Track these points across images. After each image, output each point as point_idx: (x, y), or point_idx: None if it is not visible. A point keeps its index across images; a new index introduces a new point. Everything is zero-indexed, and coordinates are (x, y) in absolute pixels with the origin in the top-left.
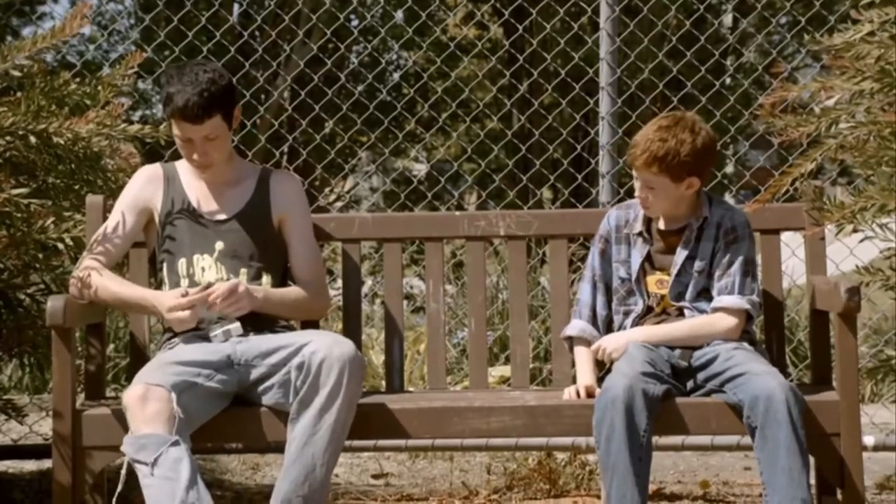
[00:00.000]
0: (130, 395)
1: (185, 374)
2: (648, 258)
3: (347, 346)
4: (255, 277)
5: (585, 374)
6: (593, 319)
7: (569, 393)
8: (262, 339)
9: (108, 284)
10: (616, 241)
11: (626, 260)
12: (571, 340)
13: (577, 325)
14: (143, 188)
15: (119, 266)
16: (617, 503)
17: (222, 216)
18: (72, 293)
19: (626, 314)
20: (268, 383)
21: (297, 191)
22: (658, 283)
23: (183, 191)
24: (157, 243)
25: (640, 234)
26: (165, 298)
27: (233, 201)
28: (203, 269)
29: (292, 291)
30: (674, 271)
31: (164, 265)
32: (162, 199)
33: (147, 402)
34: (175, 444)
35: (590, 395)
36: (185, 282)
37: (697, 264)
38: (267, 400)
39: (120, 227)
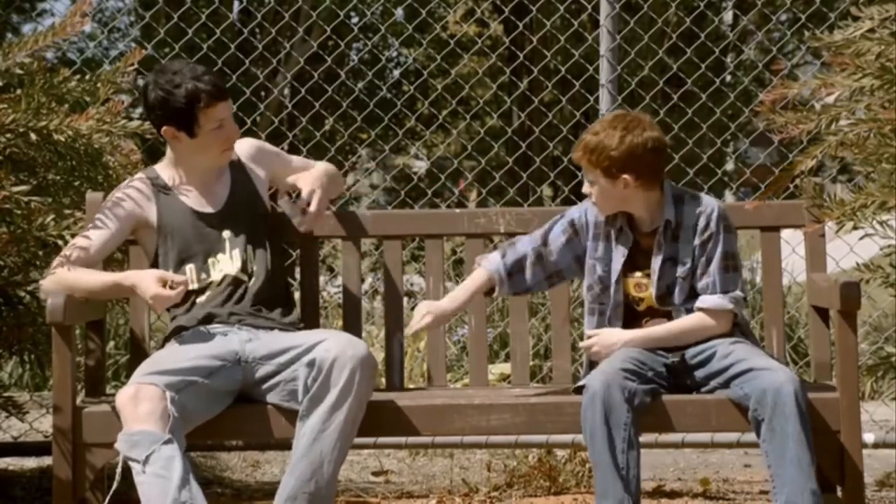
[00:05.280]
0: (122, 396)
1: (184, 373)
2: (630, 258)
3: (361, 347)
4: (260, 247)
5: (450, 299)
6: (509, 271)
7: (417, 314)
8: (273, 339)
9: (80, 277)
10: (594, 237)
11: (603, 257)
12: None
13: (495, 263)
14: (131, 200)
15: (120, 264)
16: (601, 496)
17: (218, 206)
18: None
19: (602, 314)
20: (272, 381)
21: (260, 145)
22: (636, 287)
23: (176, 196)
24: (161, 249)
25: (619, 230)
26: (146, 285)
27: (221, 189)
28: (220, 271)
29: (313, 170)
30: (654, 277)
31: (171, 270)
32: (156, 210)
33: (139, 402)
34: (168, 442)
35: (434, 318)
36: (194, 285)
37: (680, 269)
38: (271, 398)
39: (100, 236)
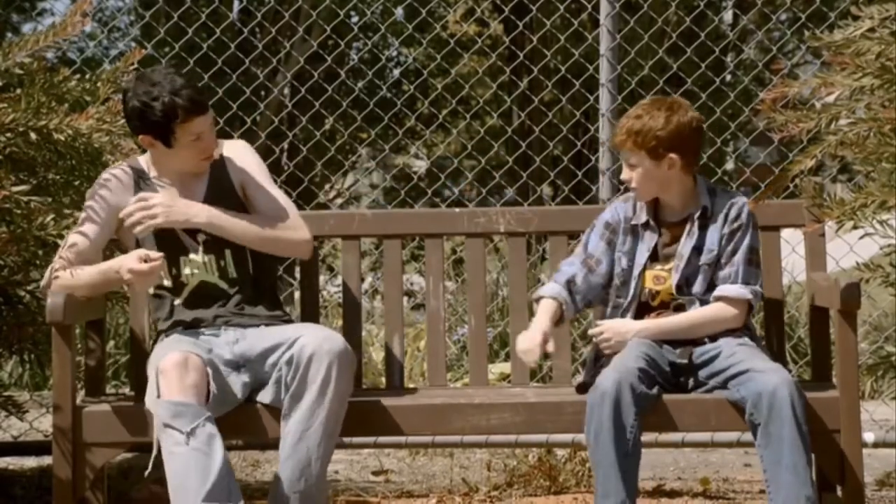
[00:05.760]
0: (169, 361)
1: (213, 357)
2: (654, 250)
3: (337, 340)
4: (239, 250)
5: (543, 321)
6: (569, 290)
7: (527, 340)
8: (261, 337)
9: (80, 276)
10: (623, 231)
11: (629, 251)
12: (540, 300)
13: (553, 288)
14: (114, 191)
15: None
16: (602, 496)
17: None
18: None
19: (616, 307)
20: (268, 384)
21: (247, 152)
22: (655, 279)
23: (155, 191)
24: (137, 247)
25: (646, 223)
26: (126, 262)
27: (199, 189)
28: (192, 273)
29: (254, 217)
30: (681, 263)
31: None
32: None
33: (188, 372)
34: (209, 420)
35: (545, 340)
36: (167, 282)
37: (705, 256)
38: (261, 397)
39: (93, 230)
